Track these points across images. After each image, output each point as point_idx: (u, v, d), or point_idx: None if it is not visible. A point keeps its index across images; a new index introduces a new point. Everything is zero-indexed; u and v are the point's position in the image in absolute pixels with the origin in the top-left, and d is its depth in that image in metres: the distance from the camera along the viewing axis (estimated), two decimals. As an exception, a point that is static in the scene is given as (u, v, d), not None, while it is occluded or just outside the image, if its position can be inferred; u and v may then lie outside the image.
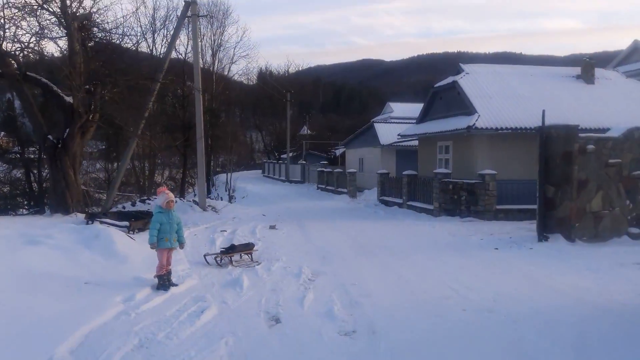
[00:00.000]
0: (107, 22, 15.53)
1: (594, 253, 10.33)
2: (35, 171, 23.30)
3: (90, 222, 12.58)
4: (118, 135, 25.49)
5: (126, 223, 12.43)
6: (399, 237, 13.25)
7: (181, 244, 7.86)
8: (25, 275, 7.13)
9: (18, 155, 24.84)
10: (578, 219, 12.02)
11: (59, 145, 13.71)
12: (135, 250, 8.77)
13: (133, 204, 19.02)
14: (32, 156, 24.04)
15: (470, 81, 20.69)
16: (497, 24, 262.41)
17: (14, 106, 25.76)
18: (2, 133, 27.79)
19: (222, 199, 31.97)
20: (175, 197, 24.11)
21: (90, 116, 14.40)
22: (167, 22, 30.25)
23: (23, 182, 24.22)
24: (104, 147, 33.17)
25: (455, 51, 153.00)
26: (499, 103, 19.52)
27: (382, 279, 8.13)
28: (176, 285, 7.52)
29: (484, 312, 6.30)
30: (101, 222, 12.64)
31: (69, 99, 13.78)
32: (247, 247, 9.70)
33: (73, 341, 5.13)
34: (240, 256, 9.63)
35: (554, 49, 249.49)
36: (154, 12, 29.16)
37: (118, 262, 8.26)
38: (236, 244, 10.57)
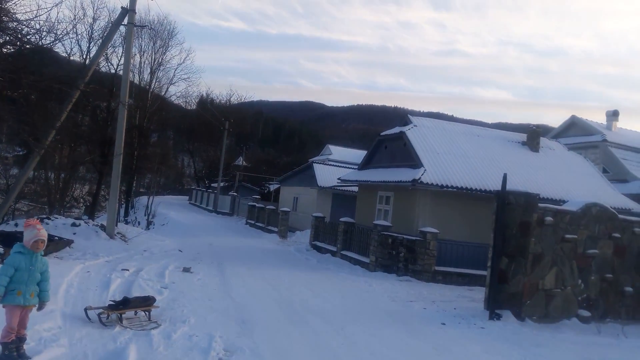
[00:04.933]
0: (23, 13, 13.11)
1: (552, 340, 9.11)
2: None
3: (-50, 244, 9.97)
4: (39, 141, 22.73)
5: (1, 249, 9.92)
6: (334, 297, 11.52)
7: (42, 303, 5.53)
8: None
9: None
10: (530, 296, 10.91)
11: None
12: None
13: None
14: None
15: (418, 134, 19.91)
16: (436, 86, 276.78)
17: None
18: None
19: (139, 224, 29.14)
20: (82, 217, 21.38)
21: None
22: (105, 34, 27.94)
23: None
24: (21, 152, 29.83)
25: (393, 106, 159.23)
26: (445, 160, 18.78)
27: (315, 365, 6.31)
28: (29, 358, 5.31)
29: None
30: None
31: (-46, 90, 11.21)
32: (145, 302, 7.57)
33: None
34: (135, 313, 7.49)
35: (483, 115, 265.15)
36: (94, 21, 26.73)
37: (-46, 315, 5.91)
38: (135, 294, 8.43)
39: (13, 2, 12.63)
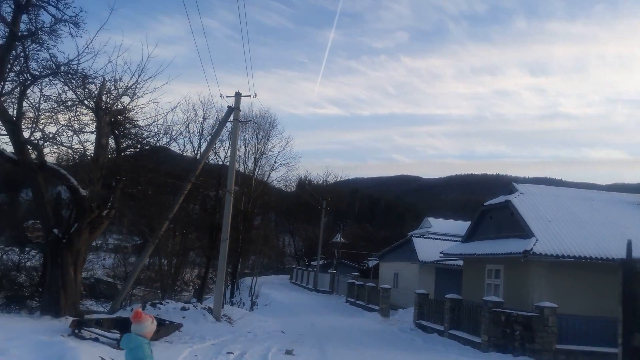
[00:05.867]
0: (143, 120, 14.88)
1: None
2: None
3: (77, 330, 10.79)
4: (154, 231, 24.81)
5: (117, 335, 10.55)
6: (444, 383, 10.72)
7: None
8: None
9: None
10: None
11: (63, 240, 12.36)
12: (107, 382, 6.79)
13: (143, 307, 17.30)
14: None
15: (525, 202, 18.95)
16: (540, 150, 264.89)
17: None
18: None
19: (244, 305, 29.88)
20: (191, 301, 22.38)
21: (105, 212, 13.23)
22: (214, 131, 30.61)
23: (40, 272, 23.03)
24: (139, 242, 32.44)
25: (494, 173, 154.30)
26: (558, 228, 17.56)
27: None
28: None
29: None
30: (90, 332, 10.87)
31: (84, 192, 12.68)
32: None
33: None
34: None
35: (595, 177, 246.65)
36: (204, 120, 29.73)
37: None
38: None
39: (135, 111, 14.43)
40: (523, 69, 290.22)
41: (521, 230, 17.75)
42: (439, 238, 33.86)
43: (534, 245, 16.20)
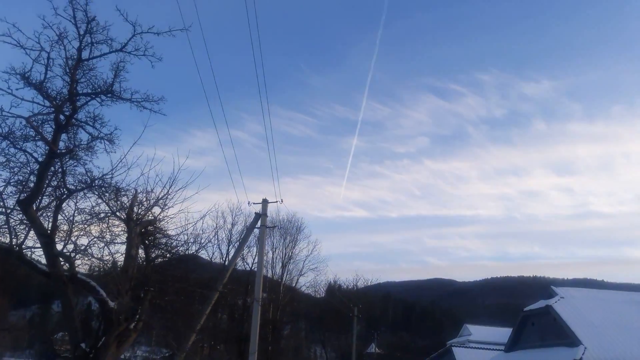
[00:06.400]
0: (173, 229, 15.00)
1: None
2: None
3: None
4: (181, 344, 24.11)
5: None
6: None
7: None
8: None
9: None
10: None
11: (90, 355, 11.94)
12: None
13: None
14: None
15: (568, 306, 17.91)
16: (576, 250, 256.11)
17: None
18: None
19: None
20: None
21: (132, 324, 12.87)
22: (242, 237, 30.90)
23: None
24: (167, 354, 31.76)
25: (531, 275, 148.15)
26: (607, 334, 16.35)
27: None
28: None
29: None
30: None
31: (113, 304, 12.47)
32: None
33: None
34: None
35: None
36: (232, 227, 30.17)
37: None
38: None
39: (165, 221, 14.56)
40: (548, 169, 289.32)
41: (566, 337, 16.60)
42: (480, 347, 31.73)
43: (582, 354, 15.05)
